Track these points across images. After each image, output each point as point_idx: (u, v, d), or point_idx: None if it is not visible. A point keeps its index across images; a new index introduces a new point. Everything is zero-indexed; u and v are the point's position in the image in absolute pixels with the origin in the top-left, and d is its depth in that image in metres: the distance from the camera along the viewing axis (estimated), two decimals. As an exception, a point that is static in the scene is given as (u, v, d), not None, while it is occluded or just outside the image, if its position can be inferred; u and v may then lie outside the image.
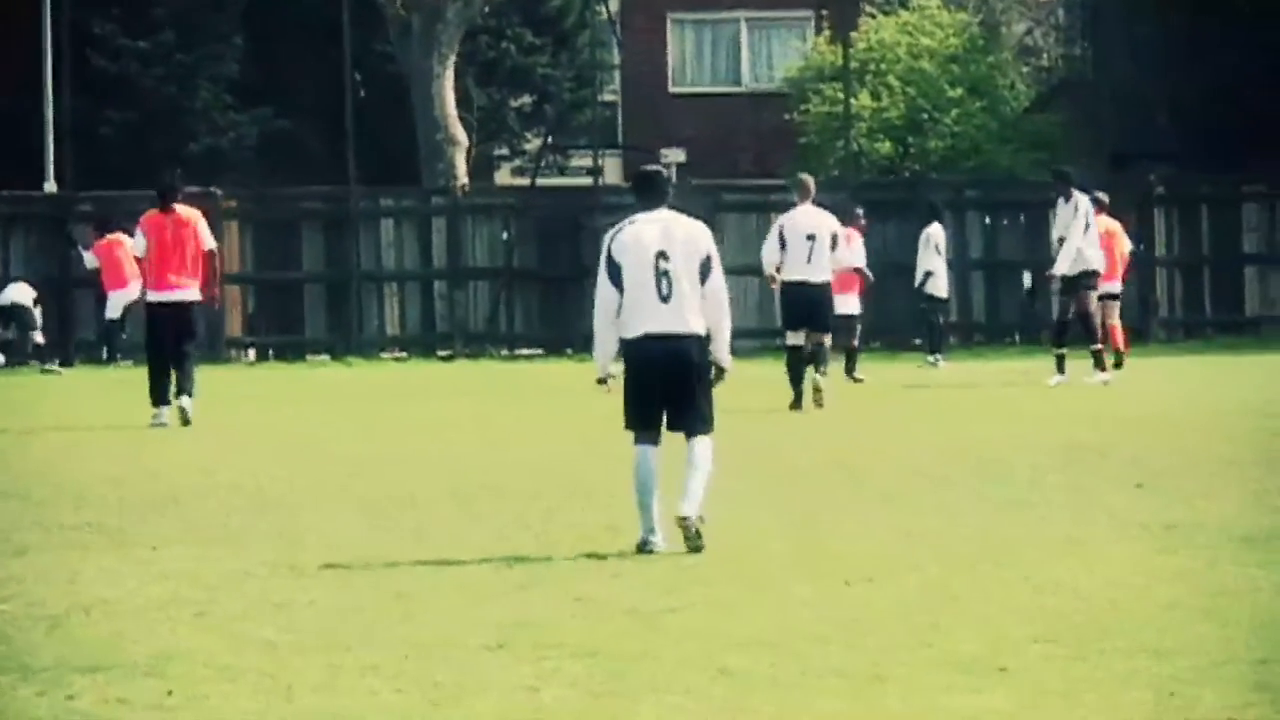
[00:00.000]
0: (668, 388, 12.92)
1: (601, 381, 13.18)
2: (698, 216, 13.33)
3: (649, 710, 8.35)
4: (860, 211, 31.33)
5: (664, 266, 12.78)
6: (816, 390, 23.78)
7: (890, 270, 39.73)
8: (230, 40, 45.10)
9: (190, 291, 22.77)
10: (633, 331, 12.89)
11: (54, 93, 41.16)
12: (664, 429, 13.06)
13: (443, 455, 19.39)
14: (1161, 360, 32.02)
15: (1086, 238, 26.96)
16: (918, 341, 38.73)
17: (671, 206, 13.14)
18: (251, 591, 11.46)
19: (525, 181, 46.37)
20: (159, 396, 22.53)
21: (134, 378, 34.33)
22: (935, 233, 33.97)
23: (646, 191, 13.17)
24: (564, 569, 12.08)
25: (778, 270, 24.31)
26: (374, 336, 39.97)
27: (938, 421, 22.76)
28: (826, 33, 49.77)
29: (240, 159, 44.62)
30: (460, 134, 42.65)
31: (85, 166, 40.58)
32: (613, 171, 51.23)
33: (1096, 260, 27.17)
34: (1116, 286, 30.60)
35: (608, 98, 52.59)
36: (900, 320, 39.76)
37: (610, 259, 12.93)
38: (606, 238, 13.07)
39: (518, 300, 40.31)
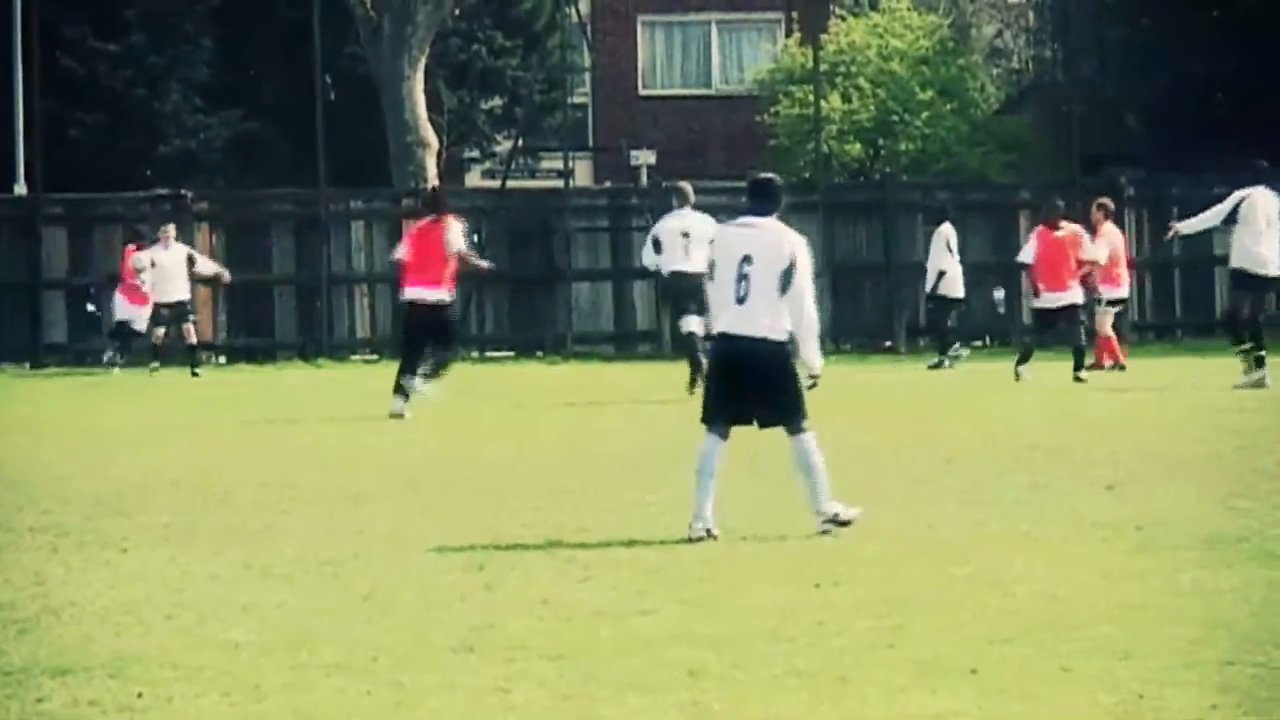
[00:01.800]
0: (738, 386, 13.38)
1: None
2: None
3: (616, 711, 8.38)
4: (1060, 204, 30.76)
5: (745, 270, 13.21)
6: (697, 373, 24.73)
7: (860, 271, 39.88)
8: (200, 43, 45.09)
9: (440, 292, 24.09)
10: (716, 328, 13.55)
11: (24, 94, 41.11)
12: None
13: (411, 456, 19.37)
14: (1131, 361, 32.05)
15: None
16: (888, 343, 38.79)
17: (780, 215, 13.64)
18: (219, 593, 11.46)
19: (496, 184, 46.36)
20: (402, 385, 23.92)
21: (108, 381, 34.38)
22: (947, 232, 33.87)
23: (759, 197, 13.70)
24: (532, 570, 12.08)
25: (659, 269, 26.00)
26: (344, 339, 39.96)
27: (905, 421, 22.79)
28: (796, 35, 49.86)
29: (210, 161, 44.62)
30: (431, 136, 42.66)
31: (55, 168, 40.51)
32: (583, 174, 51.30)
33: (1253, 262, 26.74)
34: (1125, 292, 30.93)
35: (578, 100, 52.63)
36: (871, 321, 39.82)
37: (709, 256, 13.73)
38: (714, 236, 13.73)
39: (488, 302, 40.31)
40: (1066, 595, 10.95)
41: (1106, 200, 32.00)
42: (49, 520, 14.71)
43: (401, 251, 25.05)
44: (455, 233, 24.41)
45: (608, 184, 47.80)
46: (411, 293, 24.31)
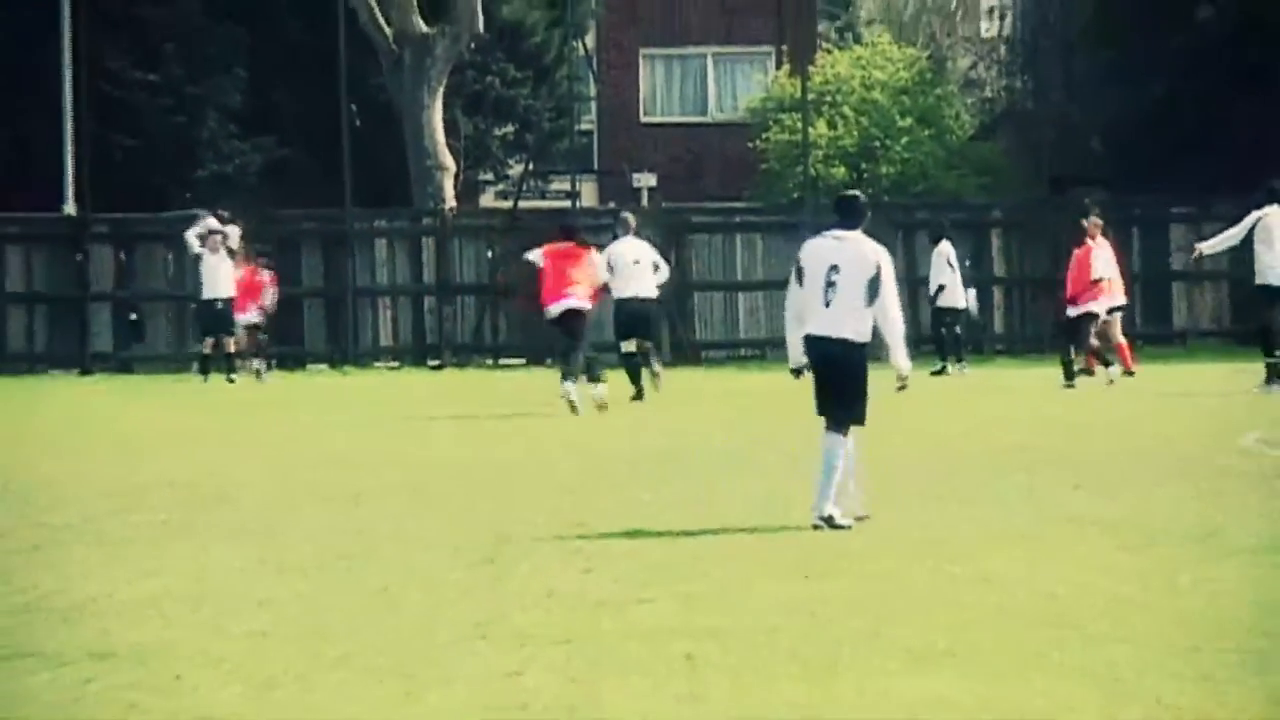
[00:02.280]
0: (824, 382, 13.63)
1: (796, 372, 13.96)
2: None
3: (619, 697, 8.27)
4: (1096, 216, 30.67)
5: (833, 278, 13.44)
6: (655, 376, 26.56)
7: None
8: (234, 74, 45.08)
9: (585, 300, 25.31)
10: (805, 330, 13.64)
11: (72, 122, 41.11)
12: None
13: (424, 457, 19.42)
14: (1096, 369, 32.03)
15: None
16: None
17: (865, 230, 13.84)
18: (240, 586, 11.38)
19: (508, 204, 46.35)
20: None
21: (148, 386, 34.36)
22: (945, 250, 34.11)
23: (844, 212, 13.96)
24: (538, 563, 12.01)
25: (609, 289, 26.72)
26: (369, 347, 39.96)
27: (892, 423, 22.71)
28: (786, 66, 49.92)
29: (245, 184, 44.58)
30: (448, 160, 42.65)
31: (102, 190, 40.56)
32: (589, 195, 51.29)
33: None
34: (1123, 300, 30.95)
35: (584, 127, 52.73)
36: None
37: (798, 264, 13.72)
38: (803, 247, 13.90)
39: (502, 314, 40.29)
40: (1048, 589, 10.90)
41: (1096, 218, 31.96)
42: (86, 516, 14.68)
43: (537, 256, 26.03)
44: (595, 260, 25.90)
45: (611, 204, 47.73)
46: (562, 304, 25.30)
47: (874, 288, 13.42)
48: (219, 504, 15.42)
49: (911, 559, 12.00)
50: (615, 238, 27.53)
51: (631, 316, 26.81)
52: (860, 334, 13.47)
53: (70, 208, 41.07)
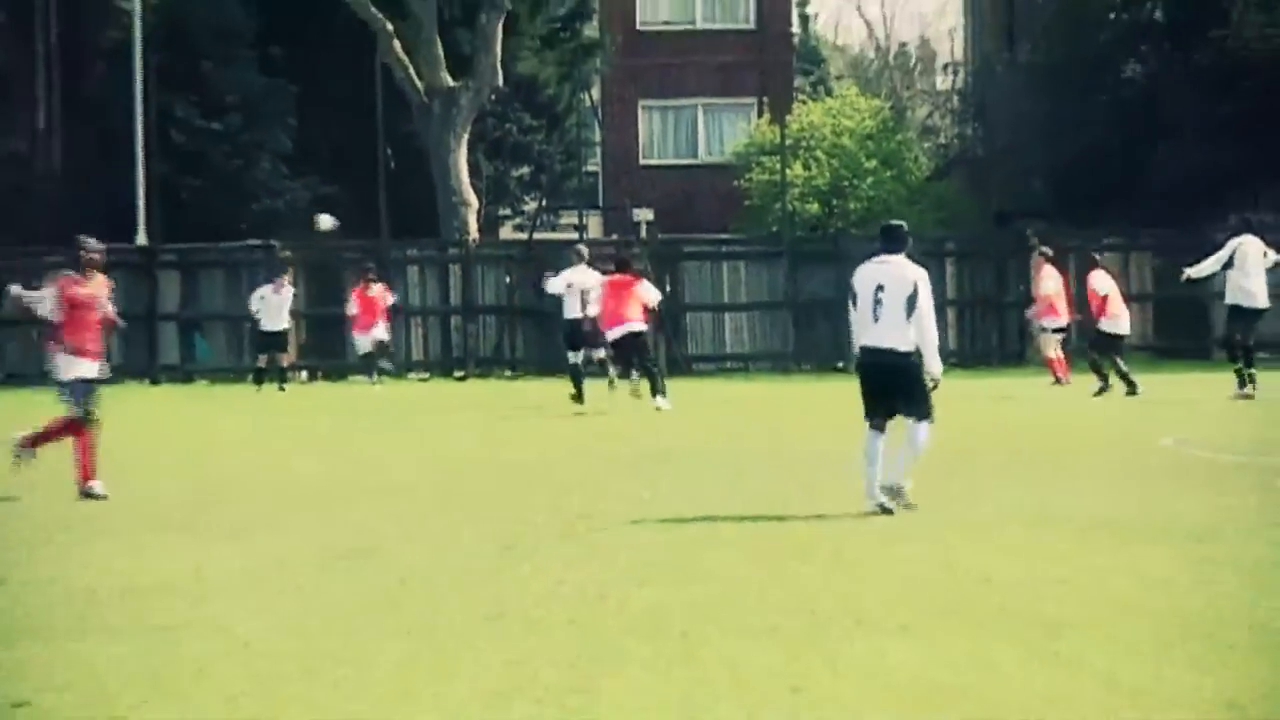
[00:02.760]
0: (880, 387, 13.81)
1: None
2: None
3: (622, 666, 8.33)
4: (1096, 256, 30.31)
5: (879, 296, 13.67)
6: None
7: (817, 307, 39.85)
8: (285, 122, 45.09)
9: (639, 323, 26.19)
10: (859, 343, 13.90)
11: (144, 163, 41.14)
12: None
13: (446, 457, 19.32)
14: (1039, 381, 31.99)
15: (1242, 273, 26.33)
16: (839, 364, 38.71)
17: (908, 254, 13.99)
18: (292, 570, 11.40)
19: (524, 236, 46.35)
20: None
21: (208, 394, 34.37)
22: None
23: (889, 240, 14.06)
24: (548, 554, 12.01)
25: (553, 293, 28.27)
26: (401, 361, 39.91)
27: (854, 425, 22.72)
28: (767, 115, 49.94)
29: (294, 218, 44.57)
30: (471, 197, 42.66)
31: (169, 223, 40.58)
32: (595, 228, 51.26)
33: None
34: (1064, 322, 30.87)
35: (591, 168, 52.69)
36: (825, 347, 39.80)
37: (851, 289, 13.97)
38: (855, 272, 14.09)
39: (519, 331, 40.29)
40: (988, 568, 10.90)
41: (1047, 249, 32.06)
42: (158, 508, 14.68)
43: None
44: (648, 288, 26.63)
45: (614, 236, 47.75)
46: (619, 329, 26.13)
47: (911, 303, 13.66)
48: (273, 496, 15.38)
49: (875, 546, 12.02)
50: (571, 265, 28.30)
51: (576, 335, 27.77)
52: (905, 343, 13.72)
53: (142, 239, 41.11)
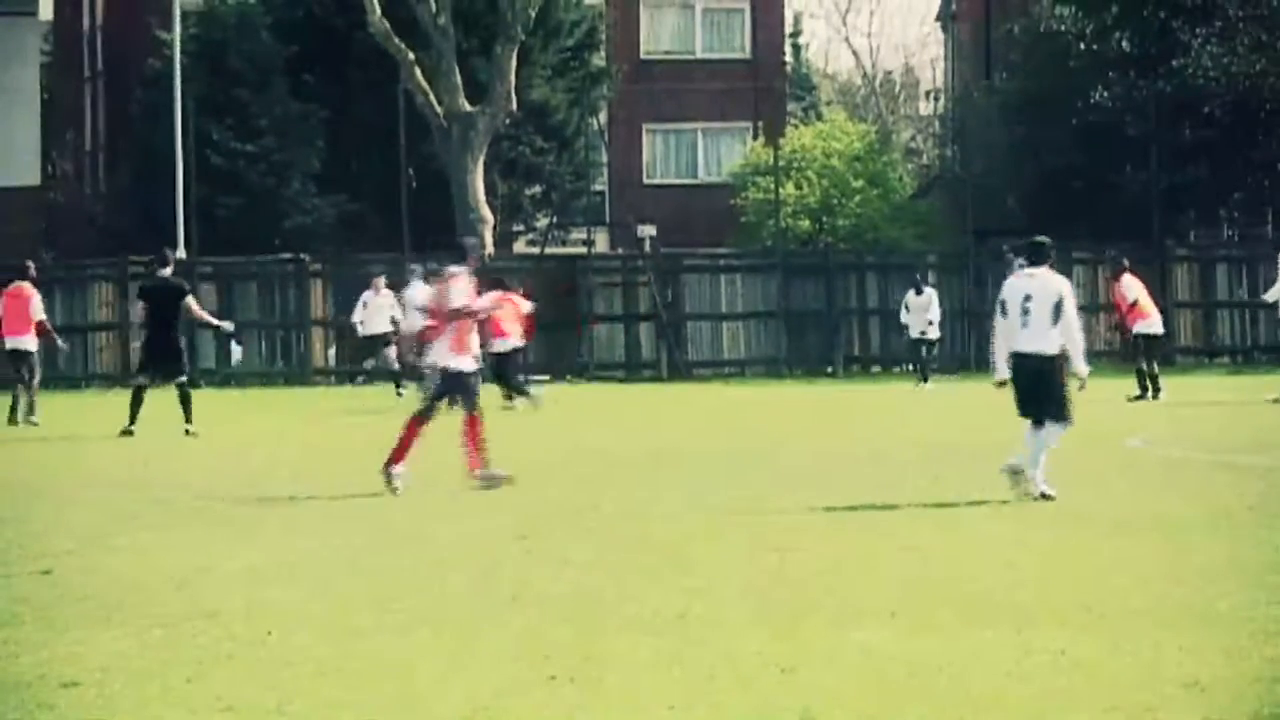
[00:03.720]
0: (1028, 388, 14.01)
1: (1001, 384, 14.32)
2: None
3: (623, 644, 8.37)
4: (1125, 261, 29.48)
5: (1027, 305, 13.90)
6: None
7: (808, 316, 39.85)
8: (315, 144, 45.13)
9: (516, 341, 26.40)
10: (1010, 349, 13.99)
11: (184, 183, 41.20)
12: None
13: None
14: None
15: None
16: (829, 369, 38.70)
17: (1051, 266, 14.27)
18: (328, 557, 11.44)
19: (536, 250, 46.40)
20: None
21: (250, 396, 34.40)
22: (931, 294, 33.57)
23: (1034, 254, 14.39)
24: (560, 540, 12.06)
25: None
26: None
27: (841, 425, 22.79)
28: (761, 138, 49.98)
29: (322, 234, 44.61)
30: (488, 214, 42.67)
31: (206, 238, 40.62)
32: (602, 243, 51.34)
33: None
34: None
35: (598, 188, 52.74)
36: (815, 353, 39.83)
37: (1001, 300, 14.14)
38: (1004, 284, 14.39)
39: (531, 338, 40.29)
40: (960, 557, 10.95)
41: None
42: (199, 502, 14.66)
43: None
44: (523, 302, 26.92)
45: (620, 250, 47.81)
46: (500, 344, 26.37)
47: (1057, 311, 13.89)
48: (311, 492, 15.35)
49: (854, 535, 12.06)
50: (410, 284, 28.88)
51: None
52: (1051, 347, 13.90)
53: (181, 253, 41.14)
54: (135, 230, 43.81)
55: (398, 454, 15.06)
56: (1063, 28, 44.39)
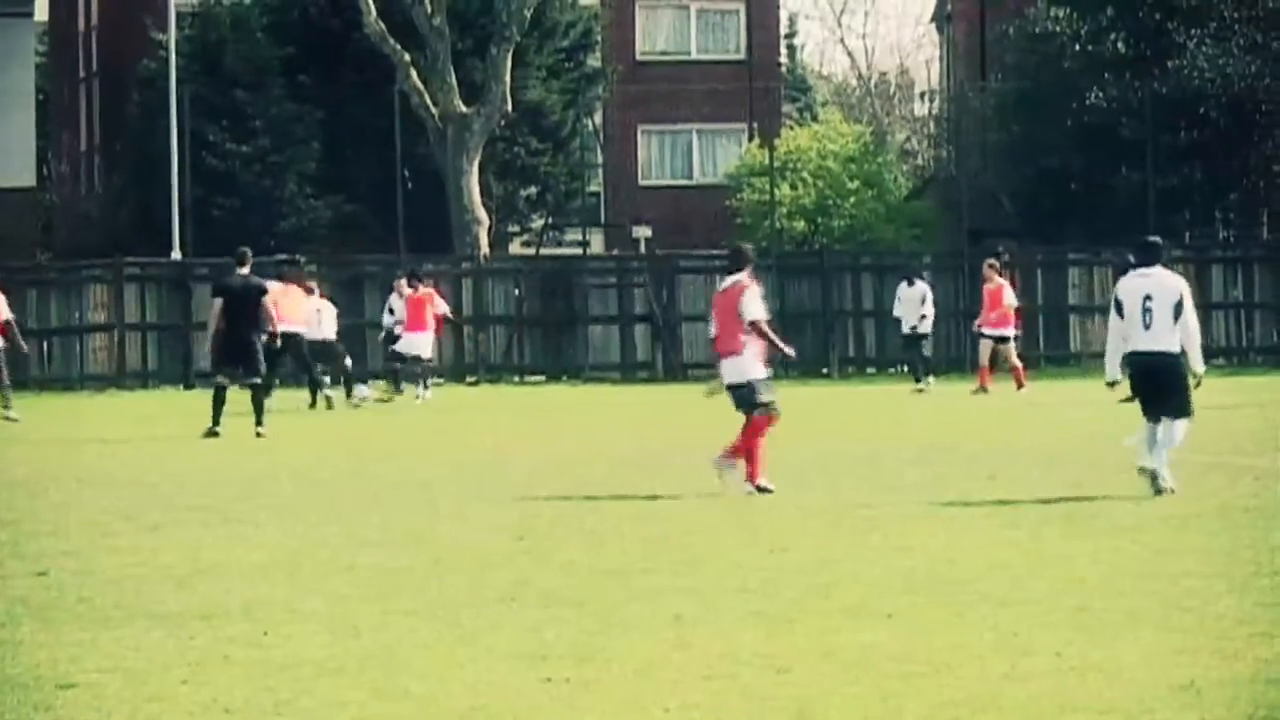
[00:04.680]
0: (1152, 387, 14.11)
1: (1111, 384, 14.59)
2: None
3: (621, 644, 8.38)
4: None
5: (1148, 305, 13.98)
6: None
7: (804, 317, 39.87)
8: (310, 145, 45.13)
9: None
10: (1129, 348, 14.09)
11: (178, 184, 41.19)
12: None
13: (467, 454, 19.40)
14: (1007, 385, 32.02)
15: None
16: (824, 370, 38.71)
17: (1163, 265, 14.41)
18: (328, 557, 11.46)
19: (531, 251, 46.46)
20: None
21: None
22: (924, 288, 33.10)
23: (1147, 254, 14.45)
24: (559, 539, 12.08)
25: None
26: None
27: (837, 426, 22.81)
28: (756, 140, 49.97)
29: (318, 234, 44.61)
30: (483, 215, 42.70)
31: (202, 240, 40.62)
32: (597, 244, 51.36)
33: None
34: (1010, 330, 30.61)
35: (593, 189, 52.75)
36: (811, 355, 39.83)
37: (1116, 298, 14.23)
38: (1118, 285, 14.50)
39: (527, 339, 40.33)
40: (955, 557, 10.96)
41: (993, 260, 31.91)
42: (197, 502, 14.67)
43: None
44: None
45: (615, 252, 47.85)
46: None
47: (1178, 310, 14.02)
48: (309, 491, 15.42)
49: (848, 534, 12.09)
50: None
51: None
52: (1174, 345, 14.02)
53: (176, 254, 41.15)
54: (131, 231, 43.85)
55: (751, 470, 14.63)
56: (1058, 29, 44.42)
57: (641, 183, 54.04)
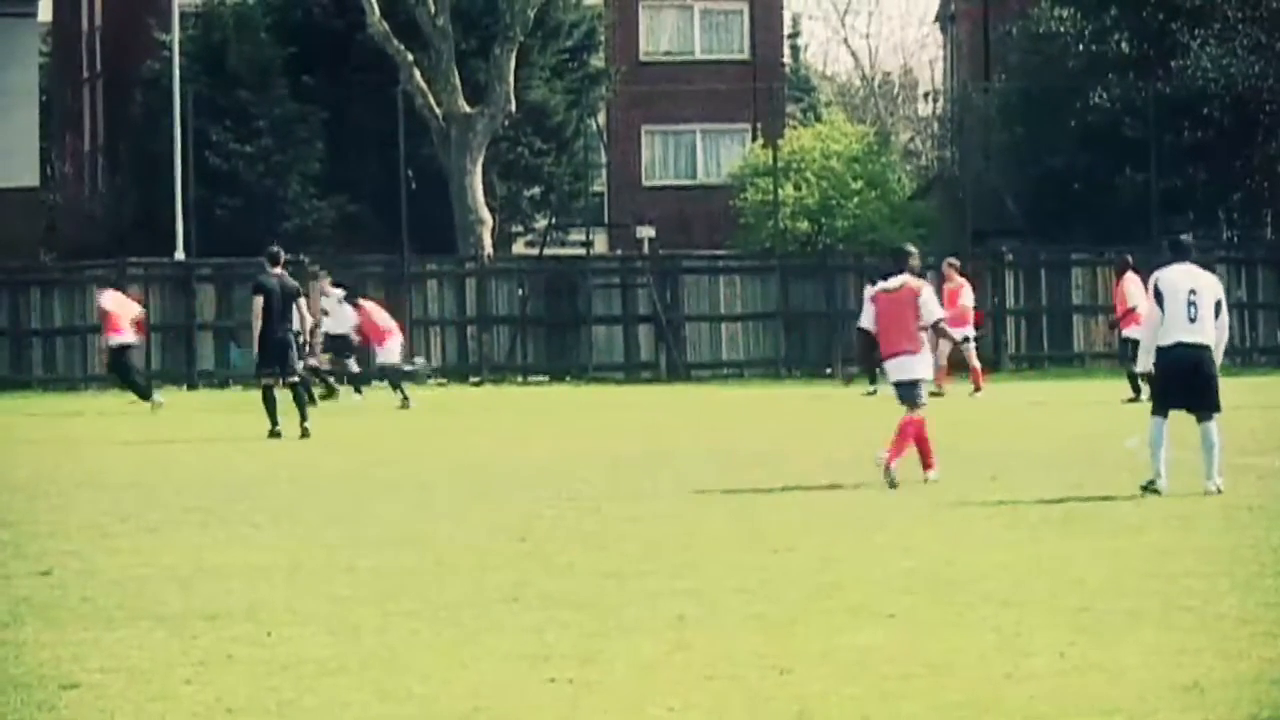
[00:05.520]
0: (1184, 380, 14.12)
1: (1146, 376, 14.80)
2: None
3: (623, 646, 8.38)
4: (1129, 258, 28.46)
5: (1193, 299, 14.09)
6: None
7: (807, 318, 39.88)
8: (314, 145, 45.13)
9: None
10: (1169, 339, 14.09)
11: (181, 184, 41.21)
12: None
13: (468, 454, 19.39)
14: (1010, 385, 32.06)
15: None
16: (828, 370, 38.72)
17: (1194, 262, 14.52)
18: (328, 557, 11.46)
19: (535, 251, 46.42)
20: None
21: (241, 398, 34.39)
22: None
23: (1178, 251, 14.51)
24: (561, 540, 12.09)
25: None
26: (423, 367, 39.90)
27: (839, 427, 22.79)
28: (760, 140, 49.96)
29: (321, 235, 44.60)
30: (486, 215, 42.69)
31: (205, 240, 40.62)
32: (601, 244, 51.34)
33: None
34: (971, 331, 30.38)
35: (597, 189, 52.73)
36: (815, 355, 39.85)
37: (1157, 289, 14.22)
38: (1153, 277, 14.46)
39: (530, 340, 40.32)
40: (956, 558, 10.96)
41: (954, 259, 31.80)
42: (199, 503, 14.68)
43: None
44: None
45: (619, 252, 47.82)
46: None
47: (1219, 307, 14.23)
48: (311, 492, 15.43)
49: (849, 535, 12.09)
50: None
51: (341, 347, 30.33)
52: (1212, 339, 14.17)
53: (180, 254, 41.16)
54: (134, 231, 43.84)
55: (926, 459, 15.29)
56: (1061, 29, 44.39)
57: (645, 183, 54.04)
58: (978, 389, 29.29)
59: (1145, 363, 14.53)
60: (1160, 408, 14.25)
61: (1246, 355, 40.42)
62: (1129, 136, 41.45)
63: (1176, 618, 8.83)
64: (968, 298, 30.64)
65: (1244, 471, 15.72)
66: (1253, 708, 7.03)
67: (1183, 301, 14.11)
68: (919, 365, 15.57)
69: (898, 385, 15.58)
